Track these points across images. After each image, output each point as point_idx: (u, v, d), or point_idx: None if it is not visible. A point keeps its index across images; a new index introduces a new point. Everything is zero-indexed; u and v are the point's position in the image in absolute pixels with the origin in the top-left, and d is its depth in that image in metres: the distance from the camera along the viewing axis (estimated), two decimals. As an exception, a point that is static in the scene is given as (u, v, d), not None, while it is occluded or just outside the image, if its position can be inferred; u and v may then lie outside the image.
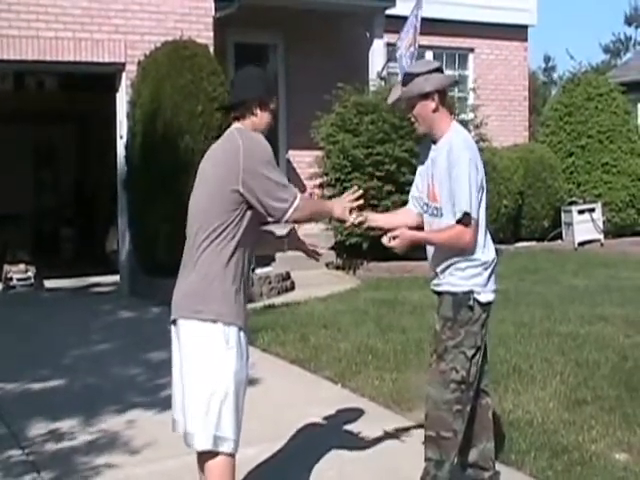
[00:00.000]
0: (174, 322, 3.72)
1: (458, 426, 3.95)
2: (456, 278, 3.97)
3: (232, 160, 3.59)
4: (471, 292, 3.94)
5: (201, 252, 3.62)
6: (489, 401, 4.24)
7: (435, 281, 4.09)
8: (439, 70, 4.08)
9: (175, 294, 3.73)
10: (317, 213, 3.95)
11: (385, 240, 3.95)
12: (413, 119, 4.10)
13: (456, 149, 3.92)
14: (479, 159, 3.98)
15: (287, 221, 3.66)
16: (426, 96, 3.98)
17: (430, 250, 4.12)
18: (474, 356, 3.95)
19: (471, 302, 3.94)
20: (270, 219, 3.70)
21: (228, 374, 3.58)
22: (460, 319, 3.94)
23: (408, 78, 4.05)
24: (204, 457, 3.67)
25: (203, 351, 3.59)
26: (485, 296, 3.98)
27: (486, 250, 4.00)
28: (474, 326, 3.95)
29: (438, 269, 4.04)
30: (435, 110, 4.00)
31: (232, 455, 3.65)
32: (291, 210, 3.61)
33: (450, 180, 3.89)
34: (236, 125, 3.77)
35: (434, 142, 4.06)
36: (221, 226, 3.60)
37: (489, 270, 4.00)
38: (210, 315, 3.58)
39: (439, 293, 4.07)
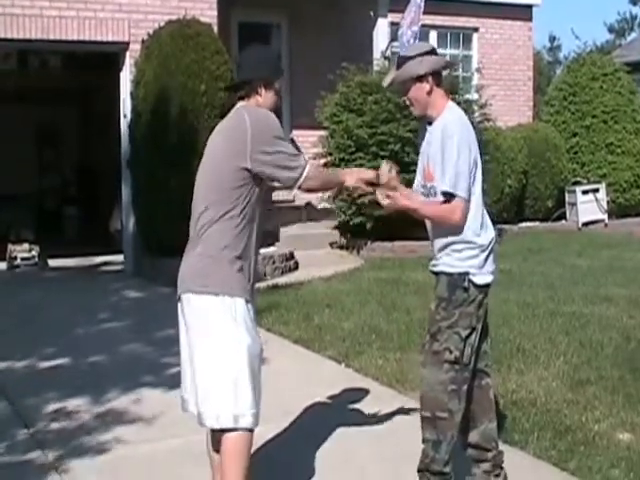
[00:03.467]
0: (179, 298, 3.71)
1: (454, 406, 3.93)
2: (452, 259, 3.94)
3: (239, 137, 3.60)
4: (466, 273, 3.90)
5: (206, 228, 3.63)
6: (489, 382, 4.21)
7: (433, 261, 4.08)
8: (433, 52, 4.06)
9: (180, 270, 3.73)
10: (328, 182, 4.16)
11: (379, 196, 3.98)
12: (408, 102, 4.09)
13: (449, 127, 3.89)
14: (473, 138, 3.94)
15: (300, 188, 3.76)
16: (420, 79, 3.96)
17: (430, 230, 4.11)
18: (469, 337, 3.92)
19: (466, 283, 3.90)
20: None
21: (241, 350, 3.55)
22: (455, 300, 3.91)
23: (401, 61, 4.03)
24: (219, 434, 3.61)
25: (210, 325, 3.57)
26: (481, 278, 3.94)
27: (483, 232, 3.97)
28: (469, 307, 3.92)
29: (436, 249, 4.03)
30: (430, 92, 3.97)
31: (251, 430, 3.60)
32: (302, 179, 3.70)
33: (443, 158, 3.88)
34: (241, 103, 3.78)
35: (429, 123, 4.04)
36: (227, 203, 3.60)
37: (486, 252, 3.96)
38: (214, 288, 3.57)
39: (436, 273, 4.06)
